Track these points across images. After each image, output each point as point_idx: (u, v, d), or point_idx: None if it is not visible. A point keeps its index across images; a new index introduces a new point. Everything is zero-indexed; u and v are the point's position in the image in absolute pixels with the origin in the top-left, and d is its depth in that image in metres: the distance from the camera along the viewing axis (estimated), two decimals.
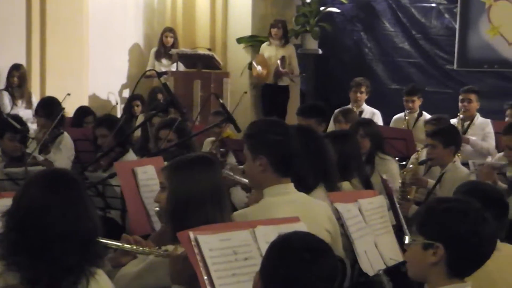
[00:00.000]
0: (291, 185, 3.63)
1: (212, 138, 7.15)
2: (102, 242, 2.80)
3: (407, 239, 2.62)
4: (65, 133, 6.91)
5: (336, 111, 7.03)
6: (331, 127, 7.29)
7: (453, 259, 2.48)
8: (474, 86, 8.89)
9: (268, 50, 10.81)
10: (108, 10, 10.69)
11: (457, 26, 11.01)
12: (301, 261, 2.27)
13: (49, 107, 6.99)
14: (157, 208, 3.31)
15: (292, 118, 10.15)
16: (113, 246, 3.06)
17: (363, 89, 9.00)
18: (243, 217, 3.38)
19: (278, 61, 10.56)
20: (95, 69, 10.29)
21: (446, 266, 2.49)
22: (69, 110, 7.12)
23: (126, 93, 10.99)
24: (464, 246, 2.48)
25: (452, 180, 5.73)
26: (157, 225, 3.93)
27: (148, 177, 4.31)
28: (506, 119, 8.18)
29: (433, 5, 11.30)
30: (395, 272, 3.84)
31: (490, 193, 3.30)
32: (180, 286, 2.88)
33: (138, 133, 7.65)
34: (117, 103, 10.70)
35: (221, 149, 6.75)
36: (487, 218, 2.54)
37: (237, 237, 2.94)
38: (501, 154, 6.35)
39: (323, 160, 4.23)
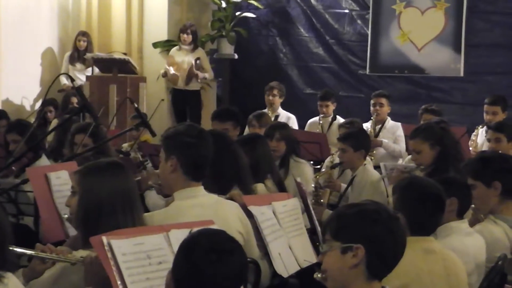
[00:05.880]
0: (201, 188, 3.67)
1: (130, 143, 7.14)
2: (16, 251, 2.77)
3: (322, 248, 2.64)
4: None
5: (250, 115, 7.08)
6: (247, 131, 7.33)
7: (372, 259, 2.52)
8: (386, 90, 9.12)
9: (178, 55, 10.61)
10: (21, 13, 10.43)
11: (369, 32, 11.20)
12: (208, 261, 2.29)
13: None
14: (66, 215, 3.29)
15: (207, 123, 10.16)
16: (28, 254, 2.98)
17: (275, 92, 9.09)
18: (149, 219, 3.39)
19: (193, 62, 10.47)
20: (8, 73, 10.06)
21: (365, 267, 2.53)
22: None
23: (41, 98, 10.78)
24: (381, 245, 2.53)
25: (362, 183, 5.89)
26: (71, 231, 3.89)
27: (62, 182, 4.25)
28: (422, 122, 8.34)
29: (346, 11, 11.44)
30: (307, 274, 3.89)
31: (428, 188, 3.41)
32: None
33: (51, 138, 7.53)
34: (32, 109, 10.50)
35: (141, 153, 6.76)
36: (398, 217, 2.61)
37: (151, 241, 2.95)
38: (410, 157, 6.52)
39: (236, 164, 4.30)
